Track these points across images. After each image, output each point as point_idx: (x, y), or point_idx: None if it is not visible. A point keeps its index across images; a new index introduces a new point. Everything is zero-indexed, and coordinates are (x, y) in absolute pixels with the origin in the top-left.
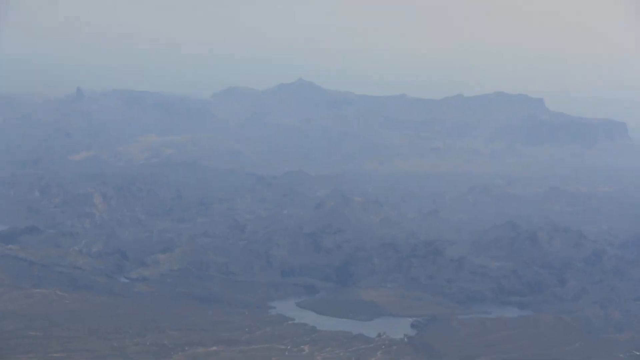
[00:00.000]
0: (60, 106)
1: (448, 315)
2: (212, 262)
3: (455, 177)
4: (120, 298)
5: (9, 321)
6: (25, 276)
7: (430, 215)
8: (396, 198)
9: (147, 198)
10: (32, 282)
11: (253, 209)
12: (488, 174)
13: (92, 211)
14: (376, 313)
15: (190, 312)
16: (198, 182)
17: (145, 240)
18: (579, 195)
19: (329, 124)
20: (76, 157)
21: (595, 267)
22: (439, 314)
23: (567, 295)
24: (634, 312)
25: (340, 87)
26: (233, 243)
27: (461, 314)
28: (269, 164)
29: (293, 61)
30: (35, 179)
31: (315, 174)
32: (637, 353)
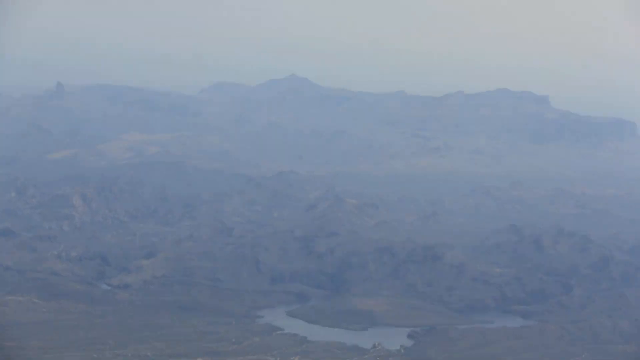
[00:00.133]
0: (38, 102)
1: (447, 325)
2: (197, 268)
3: (456, 178)
4: (100, 306)
5: None
6: None
7: (429, 218)
8: (393, 200)
9: (129, 200)
10: (7, 289)
11: (241, 211)
12: (490, 175)
13: (72, 213)
14: (371, 322)
15: (174, 321)
16: (183, 182)
17: (128, 244)
18: (586, 198)
19: (322, 122)
20: (55, 156)
21: (602, 273)
22: (438, 323)
23: (572, 304)
24: None
25: (335, 84)
26: (220, 248)
27: (461, 324)
28: (258, 164)
29: (285, 56)
30: (11, 179)
31: (308, 174)
32: None
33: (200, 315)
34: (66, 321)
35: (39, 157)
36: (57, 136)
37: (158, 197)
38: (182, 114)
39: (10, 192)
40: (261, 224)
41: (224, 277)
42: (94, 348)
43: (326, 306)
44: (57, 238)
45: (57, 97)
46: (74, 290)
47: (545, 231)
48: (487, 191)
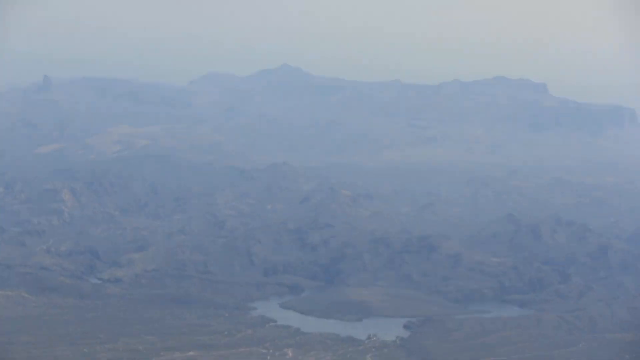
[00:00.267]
0: (25, 95)
1: (443, 315)
2: (189, 261)
3: (453, 168)
4: (90, 300)
5: None
6: None
7: (425, 209)
8: (388, 191)
9: (119, 193)
10: None
11: (234, 204)
12: (487, 164)
13: (61, 208)
14: (366, 313)
15: (166, 315)
16: (174, 176)
17: (118, 238)
18: (585, 187)
19: (315, 112)
20: (43, 150)
21: (600, 262)
22: (434, 314)
23: (570, 293)
24: None
25: (328, 73)
26: (212, 241)
27: (458, 314)
28: (250, 156)
29: (277, 45)
30: None
31: (301, 166)
32: None
33: (192, 309)
34: (56, 316)
35: (26, 152)
36: (44, 130)
37: (148, 191)
38: (172, 105)
39: None
40: (254, 217)
41: (216, 269)
42: (85, 342)
43: (320, 297)
44: (46, 233)
45: (45, 91)
46: (64, 284)
47: (542, 220)
48: (484, 181)
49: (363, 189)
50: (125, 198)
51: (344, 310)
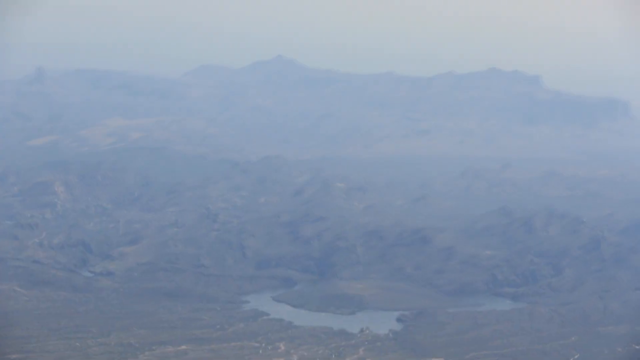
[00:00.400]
0: (18, 87)
1: (436, 308)
2: (181, 254)
3: (446, 160)
4: (83, 294)
5: None
6: None
7: (419, 201)
8: (381, 184)
9: (112, 186)
10: None
11: (227, 197)
12: (481, 156)
13: (53, 200)
14: (359, 307)
15: (158, 308)
16: (167, 168)
17: (111, 231)
18: (578, 179)
19: (309, 104)
20: (36, 143)
21: (593, 255)
22: (427, 307)
23: (563, 286)
24: (634, 303)
25: (322, 65)
26: (205, 234)
27: (450, 307)
28: (244, 149)
29: (271, 36)
30: None
31: (295, 159)
32: (637, 347)
33: (184, 302)
34: (48, 309)
35: (19, 144)
36: (37, 122)
37: (141, 183)
38: (166, 98)
39: None
40: (247, 210)
41: (209, 263)
42: (77, 337)
43: (313, 290)
44: (39, 226)
45: (38, 82)
46: (56, 278)
47: (536, 213)
48: (478, 173)
49: (356, 182)
50: (118, 191)
51: (336, 303)
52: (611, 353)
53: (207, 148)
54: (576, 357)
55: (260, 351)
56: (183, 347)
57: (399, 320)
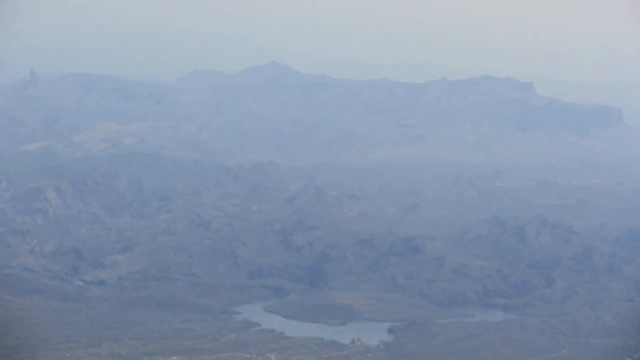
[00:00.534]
0: (11, 91)
1: (427, 319)
2: (173, 263)
3: (439, 167)
4: (74, 303)
5: None
6: None
7: (411, 209)
8: (374, 191)
9: (105, 192)
10: None
11: (219, 204)
12: (474, 163)
13: (45, 207)
14: (350, 317)
15: (149, 318)
16: (160, 174)
17: (103, 238)
18: (571, 188)
19: (303, 110)
20: (28, 148)
21: (585, 265)
22: (418, 317)
23: (555, 297)
24: (627, 315)
25: (316, 70)
26: (197, 242)
27: (442, 318)
28: (237, 155)
29: (265, 41)
30: None
31: (288, 165)
32: (629, 359)
33: (176, 312)
34: (39, 318)
35: (12, 149)
36: (30, 127)
37: (134, 190)
38: (159, 103)
39: None
40: (240, 218)
41: (201, 272)
42: (67, 347)
43: (304, 301)
44: (30, 232)
45: (31, 87)
46: (47, 286)
47: (528, 222)
48: (471, 181)
49: (349, 189)
50: (110, 197)
51: (328, 314)
52: None
53: (200, 154)
54: None
55: None
56: (174, 358)
57: (390, 331)
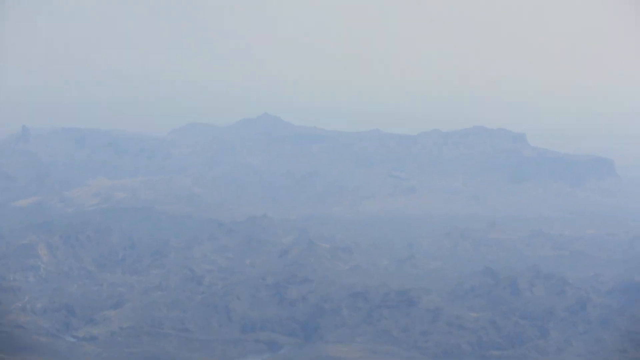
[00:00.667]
0: (3, 147)
1: None
2: (166, 318)
3: (433, 219)
4: None
5: None
6: None
7: (405, 262)
8: (367, 244)
9: (96, 248)
10: None
11: (212, 258)
12: (467, 215)
13: (37, 263)
14: None
15: None
16: (153, 229)
17: (94, 294)
18: (564, 239)
19: (295, 163)
20: (20, 203)
21: (579, 316)
22: None
23: (549, 348)
24: None
25: (308, 122)
26: (189, 297)
27: None
28: (230, 209)
29: (257, 93)
30: None
31: (281, 218)
32: None
33: None
34: None
35: (3, 205)
36: (22, 183)
37: (126, 245)
38: (152, 156)
39: None
40: (233, 271)
41: (194, 327)
42: None
43: (298, 354)
44: (22, 290)
45: (23, 142)
46: (39, 343)
47: (521, 274)
48: (464, 233)
49: (342, 242)
50: (102, 252)
51: None
52: None
53: (193, 207)
54: None
55: None
56: None
57: None
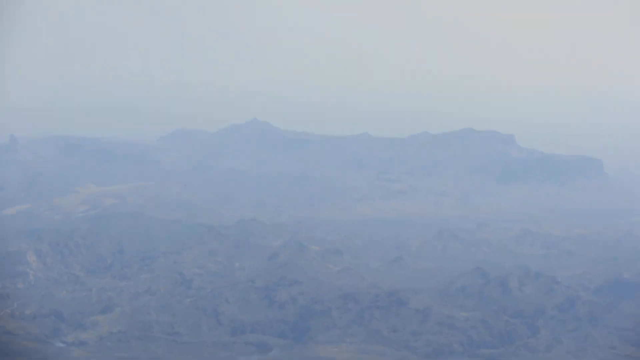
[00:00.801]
0: None
1: None
2: (155, 322)
3: (423, 221)
4: None
5: None
6: None
7: (395, 263)
8: (358, 246)
9: (85, 254)
10: None
11: (202, 262)
12: (457, 216)
13: (26, 270)
14: None
15: None
16: (142, 234)
17: (83, 300)
18: (553, 238)
19: (285, 167)
20: (9, 212)
21: (568, 314)
22: None
23: (539, 346)
24: None
25: (297, 127)
26: (179, 301)
27: None
28: (219, 213)
29: (247, 98)
30: None
31: (270, 222)
32: None
33: None
34: None
35: None
36: (11, 191)
37: (115, 251)
38: (141, 163)
39: None
40: (222, 275)
41: (183, 330)
42: None
43: (288, 356)
44: (10, 296)
45: (11, 151)
46: (28, 349)
47: (511, 273)
48: (454, 233)
49: (332, 244)
50: (91, 259)
51: None
52: None
53: (182, 213)
54: None
55: None
56: None
57: None
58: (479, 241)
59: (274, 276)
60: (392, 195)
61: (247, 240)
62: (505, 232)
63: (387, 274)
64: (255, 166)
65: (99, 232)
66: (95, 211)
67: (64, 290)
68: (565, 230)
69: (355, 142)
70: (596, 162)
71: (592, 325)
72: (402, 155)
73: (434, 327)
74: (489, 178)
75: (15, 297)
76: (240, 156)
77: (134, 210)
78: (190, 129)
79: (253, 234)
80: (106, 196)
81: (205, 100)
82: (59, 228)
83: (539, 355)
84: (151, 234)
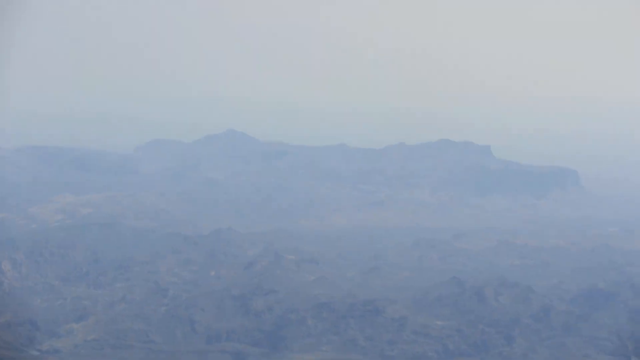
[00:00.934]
0: None
1: None
2: (130, 330)
3: (399, 231)
4: None
5: None
6: None
7: (371, 272)
8: (334, 255)
9: (60, 263)
10: None
11: (177, 271)
12: (434, 227)
13: (1, 279)
14: None
15: None
16: (117, 243)
17: (58, 308)
18: (529, 249)
19: (262, 177)
20: None
21: (543, 323)
22: None
23: (514, 355)
24: None
25: (274, 138)
26: (154, 309)
27: None
28: (195, 222)
29: (222, 109)
30: None
31: (246, 231)
32: None
33: None
34: None
35: None
36: None
37: (90, 260)
38: (117, 173)
39: None
40: (197, 284)
41: (158, 338)
42: None
43: None
44: None
45: None
46: (3, 357)
47: (487, 283)
48: (430, 244)
49: (308, 254)
50: (66, 267)
51: None
52: None
53: (157, 222)
54: None
55: None
56: None
57: None
58: (456, 251)
59: (250, 285)
60: (369, 205)
61: (222, 250)
62: (481, 242)
63: (363, 284)
64: (232, 176)
65: (74, 241)
66: (71, 220)
67: (39, 299)
68: (542, 240)
69: (331, 152)
70: (571, 172)
71: (567, 334)
72: (379, 166)
73: (410, 336)
74: (465, 189)
75: None
76: (216, 167)
77: (109, 220)
78: (167, 139)
79: (229, 243)
80: (82, 205)
81: (181, 109)
82: (34, 237)
83: None
84: (127, 243)
